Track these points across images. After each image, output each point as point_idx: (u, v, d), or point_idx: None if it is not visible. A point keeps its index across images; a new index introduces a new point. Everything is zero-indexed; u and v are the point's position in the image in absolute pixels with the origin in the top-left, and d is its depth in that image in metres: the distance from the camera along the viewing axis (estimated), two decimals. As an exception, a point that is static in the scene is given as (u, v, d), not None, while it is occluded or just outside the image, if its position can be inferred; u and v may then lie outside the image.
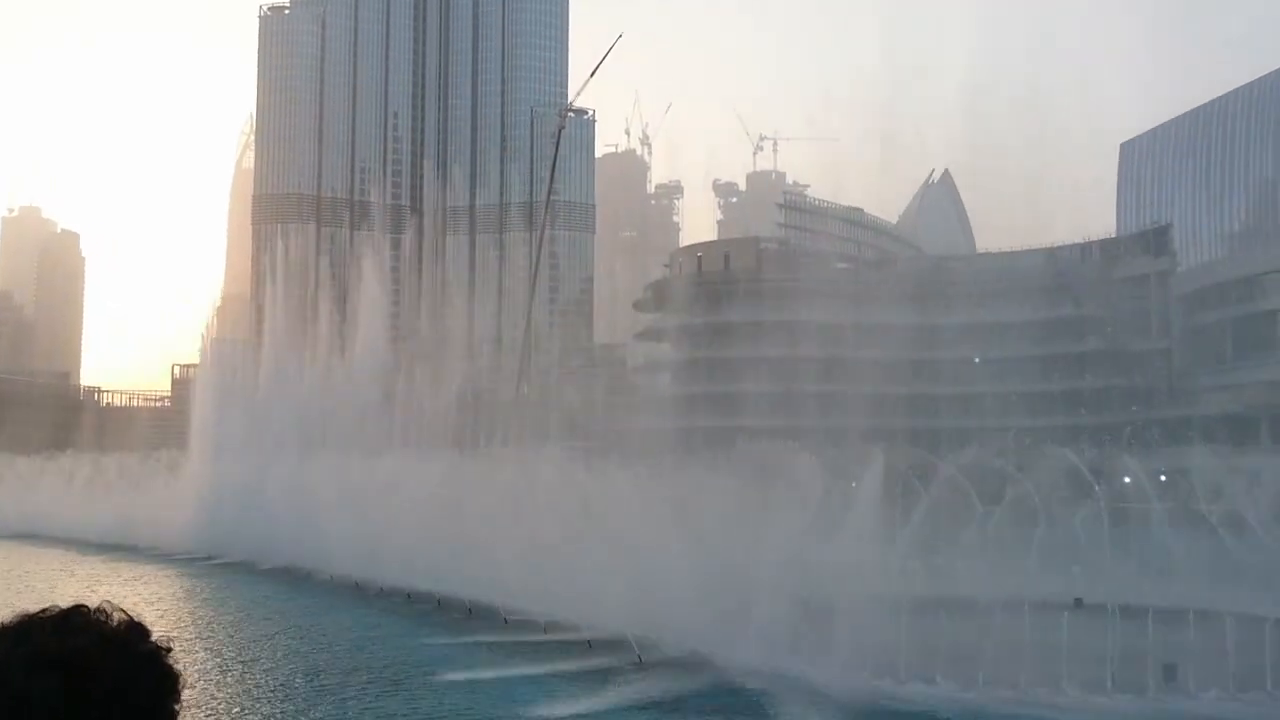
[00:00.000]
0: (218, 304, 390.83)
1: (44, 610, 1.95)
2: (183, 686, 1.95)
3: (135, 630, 1.97)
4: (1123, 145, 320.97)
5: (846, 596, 33.63)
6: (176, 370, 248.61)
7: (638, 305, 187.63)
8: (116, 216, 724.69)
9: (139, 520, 73.71)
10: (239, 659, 33.80)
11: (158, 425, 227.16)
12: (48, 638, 1.89)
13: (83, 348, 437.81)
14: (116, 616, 1.96)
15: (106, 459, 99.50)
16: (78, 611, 1.97)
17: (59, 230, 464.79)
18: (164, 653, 1.98)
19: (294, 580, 54.05)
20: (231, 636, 38.88)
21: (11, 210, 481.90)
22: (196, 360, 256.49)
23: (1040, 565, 41.58)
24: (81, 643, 1.89)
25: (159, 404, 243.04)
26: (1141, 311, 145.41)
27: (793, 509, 38.86)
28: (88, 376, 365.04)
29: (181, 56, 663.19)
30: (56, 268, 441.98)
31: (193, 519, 69.70)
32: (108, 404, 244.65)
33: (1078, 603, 39.72)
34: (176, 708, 1.95)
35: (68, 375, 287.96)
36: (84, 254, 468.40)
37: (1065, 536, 41.90)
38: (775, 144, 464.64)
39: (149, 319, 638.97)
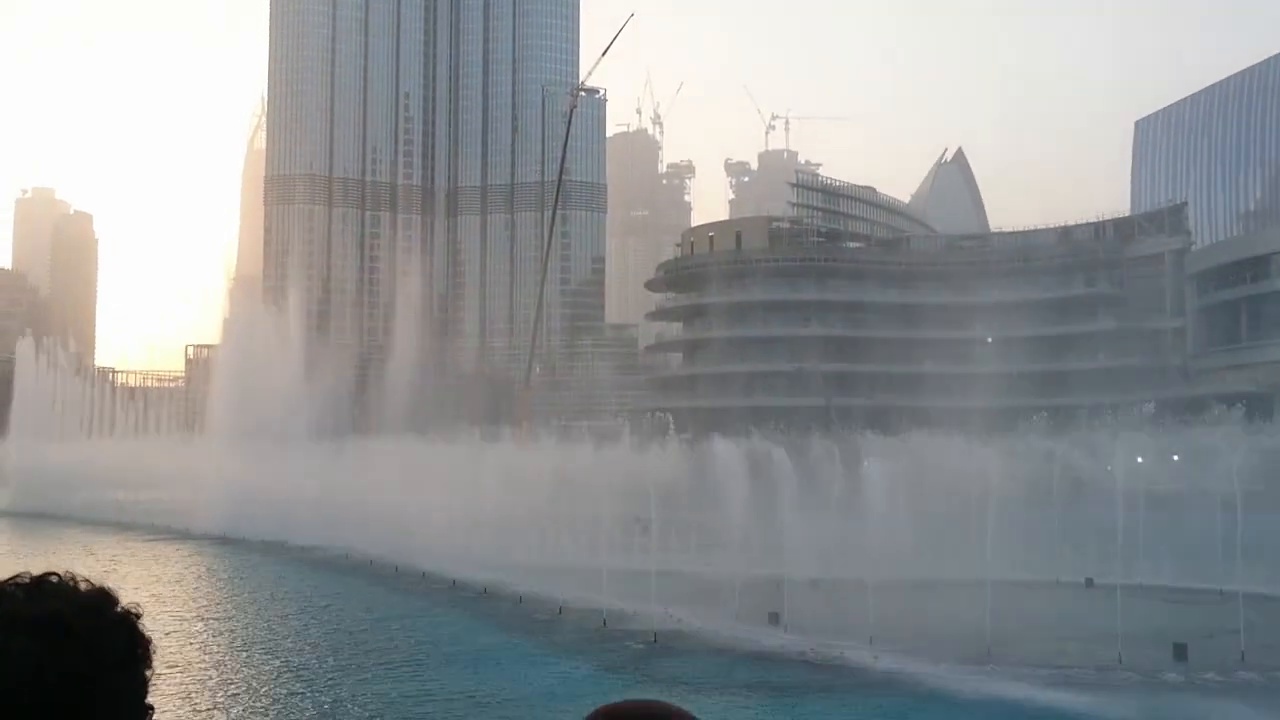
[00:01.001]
0: (230, 284, 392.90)
1: (15, 577, 2.01)
2: (153, 651, 2.01)
3: (105, 596, 2.03)
4: (1138, 123, 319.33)
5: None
6: (190, 351, 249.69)
7: (649, 285, 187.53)
8: (129, 197, 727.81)
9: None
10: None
11: (172, 406, 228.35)
12: (21, 602, 1.95)
13: (97, 329, 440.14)
14: (84, 584, 2.03)
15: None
16: (48, 578, 2.03)
17: (72, 211, 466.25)
18: (134, 618, 2.04)
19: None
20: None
21: (25, 192, 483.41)
22: (210, 341, 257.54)
23: (1053, 546, 41.65)
24: (56, 606, 1.95)
25: (173, 385, 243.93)
26: (1155, 290, 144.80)
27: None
28: (102, 358, 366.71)
29: (193, 38, 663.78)
30: (70, 249, 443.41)
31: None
32: (122, 384, 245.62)
33: (1088, 583, 39.78)
34: (148, 672, 2.02)
35: (81, 356, 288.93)
36: (97, 235, 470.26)
37: (1077, 517, 41.89)
38: (787, 123, 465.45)
39: (162, 300, 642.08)
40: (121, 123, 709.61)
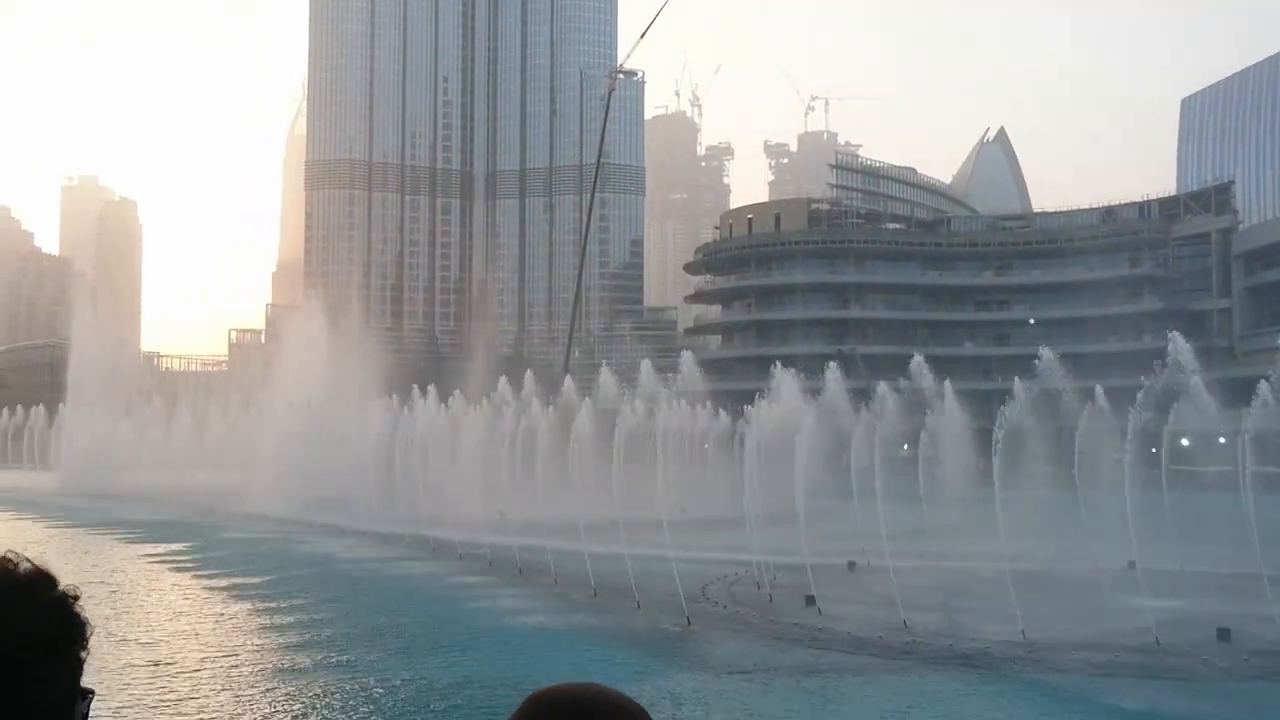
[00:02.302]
0: (273, 269, 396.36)
1: None
2: (89, 634, 2.02)
3: (43, 577, 2.04)
4: (1184, 101, 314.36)
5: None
6: (233, 335, 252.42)
7: (688, 267, 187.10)
8: (173, 184, 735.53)
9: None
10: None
11: (215, 389, 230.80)
12: None
13: (141, 313, 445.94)
14: (23, 565, 2.04)
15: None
16: None
17: (117, 198, 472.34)
18: (71, 600, 2.04)
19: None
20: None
21: (71, 179, 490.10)
22: (253, 325, 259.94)
23: (1096, 528, 41.16)
24: None
25: (216, 368, 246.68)
26: (1202, 270, 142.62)
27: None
28: (146, 342, 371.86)
29: (235, 25, 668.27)
30: (115, 235, 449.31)
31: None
32: (166, 369, 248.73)
33: (1131, 566, 39.31)
34: (83, 654, 2.02)
35: (127, 341, 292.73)
36: (141, 221, 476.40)
37: (1122, 499, 41.37)
38: (827, 104, 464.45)
39: (206, 284, 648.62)
40: (165, 110, 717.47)
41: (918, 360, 53.40)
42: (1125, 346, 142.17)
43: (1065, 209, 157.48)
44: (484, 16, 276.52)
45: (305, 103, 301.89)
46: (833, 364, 59.11)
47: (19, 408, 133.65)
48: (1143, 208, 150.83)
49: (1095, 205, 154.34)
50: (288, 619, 31.67)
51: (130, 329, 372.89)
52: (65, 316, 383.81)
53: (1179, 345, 38.64)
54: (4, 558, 2.04)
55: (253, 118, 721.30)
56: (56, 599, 2.02)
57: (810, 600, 33.06)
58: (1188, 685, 23.97)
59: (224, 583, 39.12)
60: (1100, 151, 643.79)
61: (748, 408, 48.53)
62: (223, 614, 32.96)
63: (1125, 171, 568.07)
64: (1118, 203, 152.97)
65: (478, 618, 32.74)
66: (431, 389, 68.76)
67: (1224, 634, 28.00)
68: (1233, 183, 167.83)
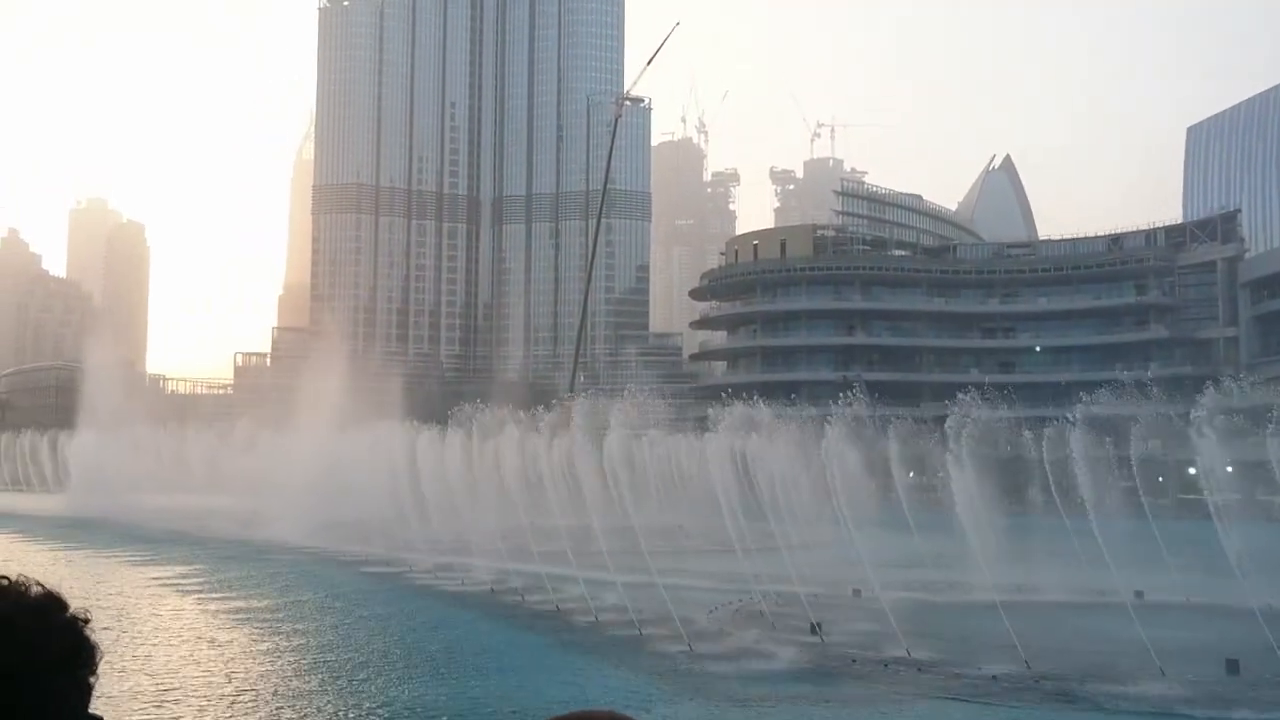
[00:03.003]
0: (279, 293, 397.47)
1: None
2: (99, 658, 2.02)
3: (53, 600, 2.05)
4: (1190, 129, 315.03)
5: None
6: (239, 358, 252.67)
7: (694, 293, 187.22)
8: (181, 207, 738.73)
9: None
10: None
11: (221, 412, 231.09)
12: None
13: (148, 336, 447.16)
14: (34, 589, 2.04)
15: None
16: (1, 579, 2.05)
17: (125, 221, 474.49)
18: (82, 624, 2.05)
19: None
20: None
21: (79, 202, 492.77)
22: (259, 349, 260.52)
23: (1105, 558, 40.99)
24: (6, 606, 1.98)
25: (222, 392, 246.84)
26: (1208, 298, 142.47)
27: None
28: (153, 364, 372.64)
29: (243, 49, 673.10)
30: (123, 257, 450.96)
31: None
32: (173, 391, 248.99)
33: (1138, 596, 39.14)
34: (92, 679, 2.03)
35: (133, 363, 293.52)
36: (149, 244, 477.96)
37: (1131, 529, 41.29)
38: (833, 131, 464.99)
39: (212, 307, 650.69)
40: (173, 134, 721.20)
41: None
42: (1131, 374, 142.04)
43: (1071, 237, 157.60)
44: (491, 43, 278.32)
45: (313, 127, 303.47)
46: (841, 399, 58.31)
47: (27, 431, 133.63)
48: (1149, 236, 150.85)
49: (1101, 233, 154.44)
50: (296, 643, 31.56)
51: (137, 351, 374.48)
52: (72, 339, 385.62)
53: (1205, 405, 38.32)
54: (16, 581, 2.06)
55: (261, 142, 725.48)
56: (67, 622, 2.05)
57: (815, 628, 32.94)
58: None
59: (238, 605, 39.00)
60: (1106, 179, 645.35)
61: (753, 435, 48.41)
62: (234, 640, 32.84)
63: (1131, 200, 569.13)
64: (1124, 230, 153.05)
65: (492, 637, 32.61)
66: (451, 419, 68.05)
67: (1233, 665, 27.82)
68: (1239, 211, 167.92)
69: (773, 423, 51.92)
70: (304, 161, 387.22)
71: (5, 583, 2.04)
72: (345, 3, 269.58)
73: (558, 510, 45.87)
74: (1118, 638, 30.71)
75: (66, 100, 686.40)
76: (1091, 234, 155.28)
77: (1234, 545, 35.84)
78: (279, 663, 28.98)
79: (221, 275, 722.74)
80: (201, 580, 47.14)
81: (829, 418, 49.12)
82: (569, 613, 37.06)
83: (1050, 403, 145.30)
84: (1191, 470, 50.71)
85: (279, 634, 33.44)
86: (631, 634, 32.86)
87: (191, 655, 29.69)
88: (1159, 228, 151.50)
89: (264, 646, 31.37)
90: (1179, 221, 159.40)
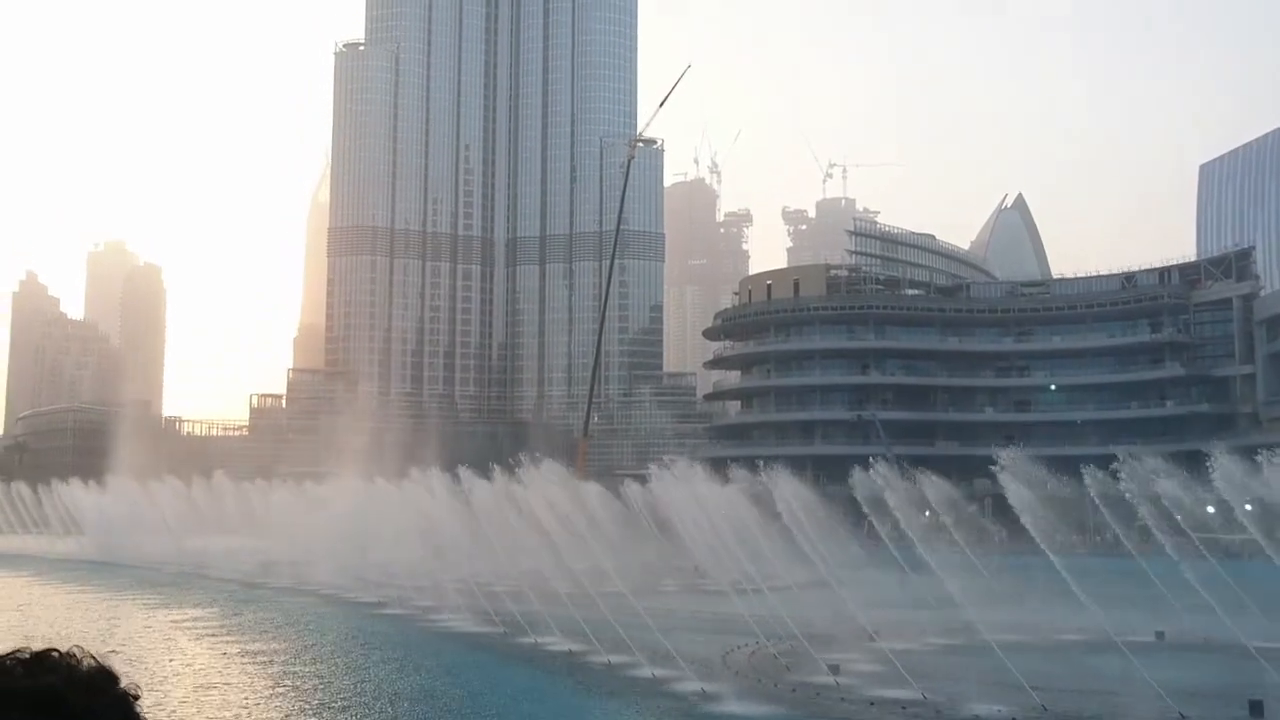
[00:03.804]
0: (295, 334, 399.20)
1: (16, 651, 2.05)
2: None
3: (104, 675, 2.04)
4: (1202, 167, 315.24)
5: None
6: (255, 400, 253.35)
7: (707, 333, 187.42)
8: (197, 249, 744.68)
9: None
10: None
11: (236, 454, 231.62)
12: (19, 677, 1.97)
13: (164, 378, 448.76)
14: (86, 661, 2.04)
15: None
16: (49, 654, 2.05)
17: (142, 263, 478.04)
18: (133, 699, 2.06)
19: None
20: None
21: (97, 245, 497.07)
22: (274, 390, 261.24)
23: (1122, 598, 40.73)
24: (52, 681, 1.98)
25: (237, 433, 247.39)
26: (1224, 336, 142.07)
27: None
28: (169, 406, 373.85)
29: (260, 93, 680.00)
30: (140, 300, 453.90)
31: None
32: (188, 433, 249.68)
33: (1159, 636, 38.84)
34: None
35: (149, 405, 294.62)
36: (166, 286, 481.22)
37: (1149, 569, 40.96)
38: (845, 171, 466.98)
39: (228, 350, 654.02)
40: (190, 177, 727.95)
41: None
42: (1148, 412, 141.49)
43: (1085, 275, 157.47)
44: (505, 85, 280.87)
45: (329, 170, 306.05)
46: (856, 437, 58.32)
47: (45, 474, 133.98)
48: (1163, 274, 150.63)
49: (1115, 271, 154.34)
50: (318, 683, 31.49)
51: (153, 393, 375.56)
52: (90, 381, 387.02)
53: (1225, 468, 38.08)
54: (68, 653, 2.05)
55: (277, 185, 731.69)
56: (118, 697, 2.05)
57: (833, 669, 32.72)
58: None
59: (263, 648, 38.94)
60: (1119, 218, 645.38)
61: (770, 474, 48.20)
62: (258, 683, 32.77)
63: (1144, 238, 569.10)
64: (1137, 268, 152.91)
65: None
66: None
67: (1257, 707, 27.46)
68: (1253, 248, 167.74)
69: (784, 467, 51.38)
70: (320, 204, 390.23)
71: (55, 655, 2.04)
72: (361, 47, 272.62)
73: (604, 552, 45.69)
74: (1138, 679, 30.43)
75: (85, 144, 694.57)
76: (1105, 272, 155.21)
77: (1258, 584, 35.57)
78: (297, 703, 28.90)
79: (237, 317, 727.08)
80: (218, 623, 47.11)
81: (844, 457, 49.02)
82: (582, 654, 36.89)
83: (1067, 441, 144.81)
84: (1210, 509, 50.31)
85: (293, 675, 33.36)
86: (645, 675, 32.70)
87: (204, 698, 29.66)
88: (1173, 265, 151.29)
89: (278, 688, 31.31)
90: (1193, 259, 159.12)
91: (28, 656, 2.02)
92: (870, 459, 47.75)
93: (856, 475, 43.06)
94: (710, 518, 41.92)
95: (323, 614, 50.88)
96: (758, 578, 43.72)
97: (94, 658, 2.06)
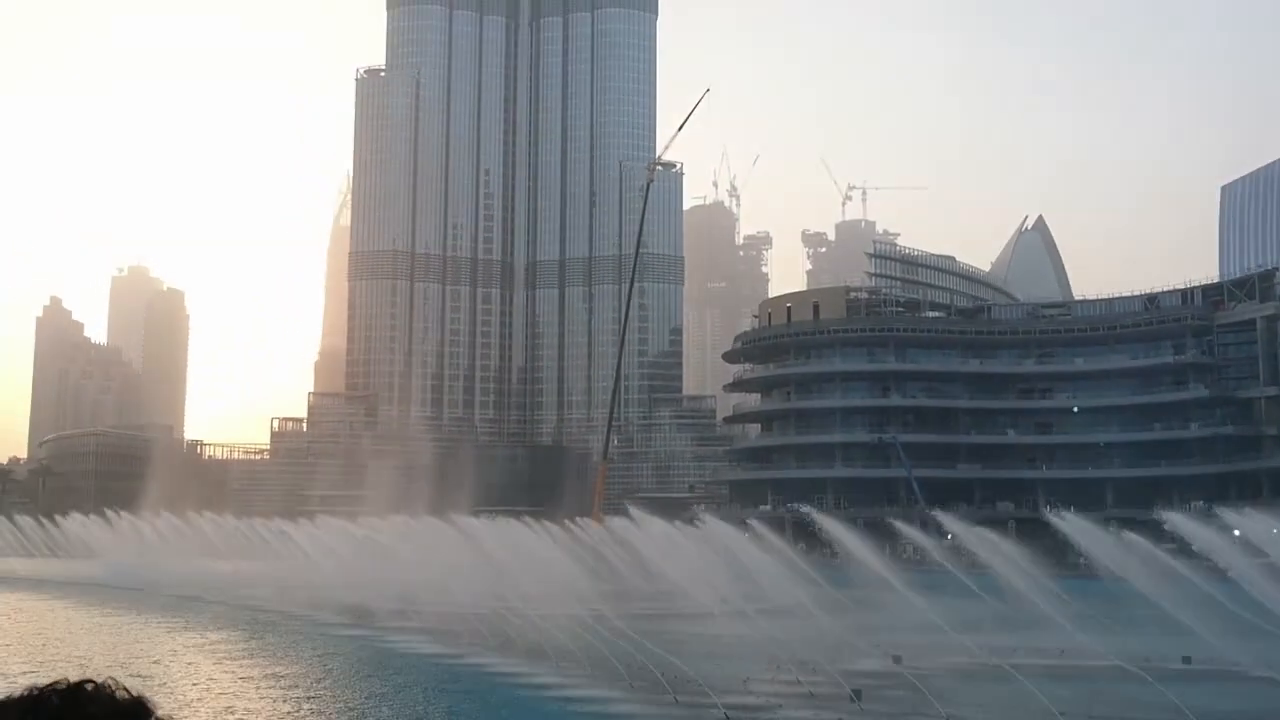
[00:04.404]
0: (315, 358, 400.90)
1: (54, 684, 2.12)
2: None
3: (141, 705, 2.12)
4: (1223, 188, 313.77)
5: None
6: (275, 424, 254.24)
7: (727, 356, 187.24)
8: (219, 274, 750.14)
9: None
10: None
11: (256, 479, 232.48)
12: (58, 708, 2.05)
13: (186, 402, 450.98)
14: (120, 693, 2.11)
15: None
16: (84, 686, 2.12)
17: (165, 288, 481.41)
18: None
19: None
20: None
21: (121, 270, 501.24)
22: (295, 414, 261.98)
23: (1147, 621, 40.25)
24: (96, 711, 2.06)
25: (259, 457, 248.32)
26: (1248, 357, 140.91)
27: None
28: (191, 430, 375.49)
29: (281, 119, 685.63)
30: (163, 324, 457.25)
31: None
32: (210, 457, 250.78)
33: (1185, 661, 38.37)
34: None
35: (171, 429, 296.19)
36: (188, 311, 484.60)
37: (1171, 593, 40.46)
38: (864, 193, 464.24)
39: (250, 374, 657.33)
40: (213, 202, 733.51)
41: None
42: (1172, 434, 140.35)
43: (1107, 296, 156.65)
44: (525, 110, 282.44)
45: (350, 195, 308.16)
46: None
47: (68, 499, 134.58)
48: (1186, 295, 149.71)
49: (1137, 292, 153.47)
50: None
51: (175, 417, 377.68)
52: (112, 405, 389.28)
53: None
54: (102, 684, 2.12)
55: (298, 210, 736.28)
56: None
57: (855, 695, 32.39)
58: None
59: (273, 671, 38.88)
60: (1140, 239, 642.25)
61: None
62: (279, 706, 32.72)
63: (1166, 259, 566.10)
64: (1160, 290, 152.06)
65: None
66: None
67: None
68: (1277, 269, 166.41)
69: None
70: (341, 228, 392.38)
71: (91, 686, 2.10)
72: (382, 73, 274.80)
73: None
74: (1166, 705, 30.02)
75: (109, 170, 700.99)
76: (1127, 293, 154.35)
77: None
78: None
79: (259, 341, 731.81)
80: (238, 647, 47.10)
81: (865, 479, 48.88)
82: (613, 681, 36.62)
83: (1090, 464, 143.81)
84: (1237, 532, 49.77)
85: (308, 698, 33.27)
86: (665, 698, 32.44)
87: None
88: (1195, 286, 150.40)
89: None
90: (1215, 280, 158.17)
91: (65, 688, 2.10)
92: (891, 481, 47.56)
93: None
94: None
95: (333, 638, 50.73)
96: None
97: (126, 689, 2.11)
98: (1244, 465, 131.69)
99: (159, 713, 2.13)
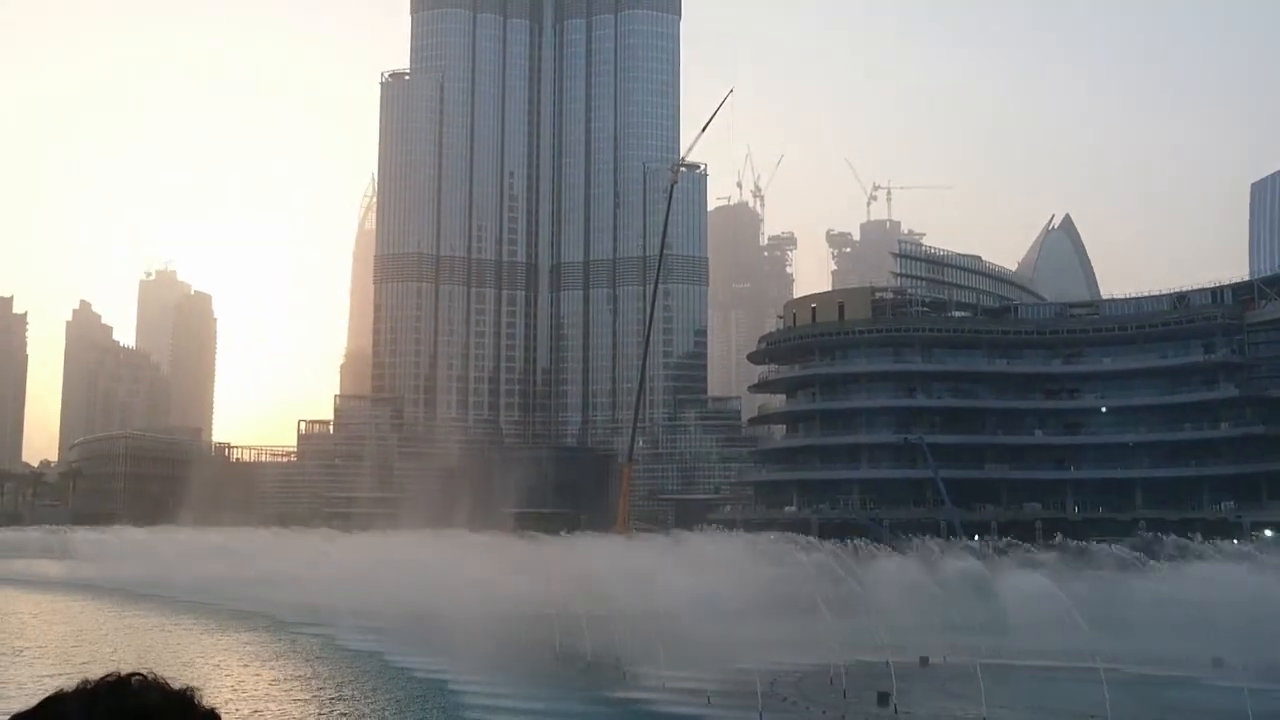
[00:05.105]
0: (341, 361, 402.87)
1: (105, 677, 2.24)
2: None
3: (192, 693, 2.25)
4: (1254, 185, 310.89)
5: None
6: (302, 426, 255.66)
7: (752, 357, 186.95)
8: (246, 277, 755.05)
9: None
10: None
11: (285, 480, 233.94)
12: (119, 697, 2.18)
13: (214, 404, 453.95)
14: (173, 684, 2.24)
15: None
16: (135, 676, 2.24)
17: (192, 292, 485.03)
18: (218, 716, 2.28)
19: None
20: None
21: (149, 274, 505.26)
22: (322, 416, 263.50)
23: (1179, 622, 40.04)
24: (152, 699, 2.19)
25: (286, 459, 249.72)
26: (1278, 357, 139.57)
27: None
28: (219, 433, 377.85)
29: (307, 123, 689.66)
30: (191, 327, 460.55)
31: None
32: (237, 459, 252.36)
33: (1216, 662, 38.14)
34: None
35: (200, 431, 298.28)
36: (215, 314, 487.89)
37: (1201, 592, 40.24)
38: (889, 193, 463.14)
39: (277, 376, 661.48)
40: (239, 206, 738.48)
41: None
42: (1201, 434, 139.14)
43: (1135, 295, 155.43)
44: (549, 112, 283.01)
45: (375, 198, 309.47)
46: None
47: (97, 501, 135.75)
48: (1215, 293, 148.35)
49: (1166, 291, 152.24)
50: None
51: (203, 419, 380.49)
52: (141, 408, 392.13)
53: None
54: (152, 675, 2.25)
55: (324, 213, 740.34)
56: (208, 712, 2.27)
57: (884, 697, 32.30)
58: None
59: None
60: (1169, 237, 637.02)
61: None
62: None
63: (1195, 257, 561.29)
64: (1189, 288, 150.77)
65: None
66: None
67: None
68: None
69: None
70: (366, 232, 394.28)
71: (138, 680, 2.22)
72: (406, 76, 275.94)
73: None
74: (1204, 707, 29.88)
75: (137, 175, 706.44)
76: (1156, 292, 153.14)
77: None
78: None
79: (285, 344, 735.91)
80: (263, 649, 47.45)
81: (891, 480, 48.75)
82: (637, 677, 36.76)
83: (1119, 464, 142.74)
84: (1268, 533, 49.42)
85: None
86: (699, 701, 32.50)
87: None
88: (1225, 285, 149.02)
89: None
90: (1245, 278, 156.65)
91: (116, 680, 2.22)
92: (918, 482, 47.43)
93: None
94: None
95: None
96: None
97: (167, 682, 2.24)
98: (1275, 465, 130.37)
99: (205, 704, 2.25)
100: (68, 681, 2.26)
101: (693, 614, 43.67)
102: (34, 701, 2.19)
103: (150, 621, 59.38)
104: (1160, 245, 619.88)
